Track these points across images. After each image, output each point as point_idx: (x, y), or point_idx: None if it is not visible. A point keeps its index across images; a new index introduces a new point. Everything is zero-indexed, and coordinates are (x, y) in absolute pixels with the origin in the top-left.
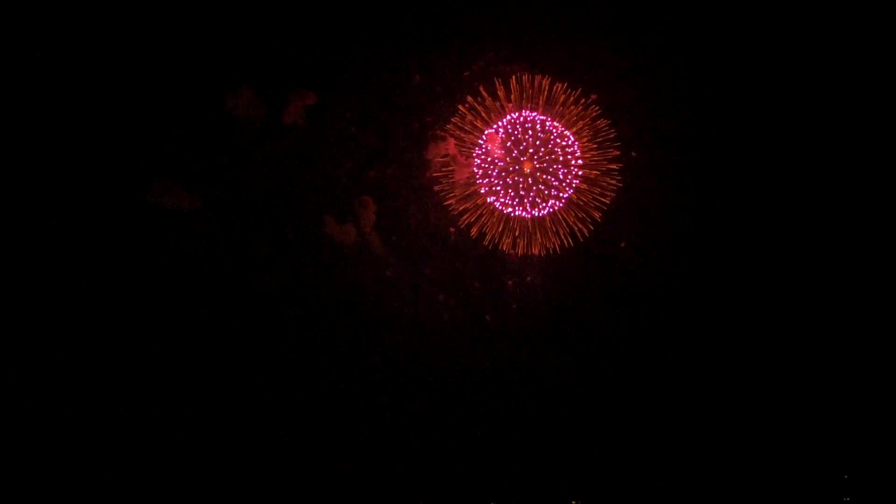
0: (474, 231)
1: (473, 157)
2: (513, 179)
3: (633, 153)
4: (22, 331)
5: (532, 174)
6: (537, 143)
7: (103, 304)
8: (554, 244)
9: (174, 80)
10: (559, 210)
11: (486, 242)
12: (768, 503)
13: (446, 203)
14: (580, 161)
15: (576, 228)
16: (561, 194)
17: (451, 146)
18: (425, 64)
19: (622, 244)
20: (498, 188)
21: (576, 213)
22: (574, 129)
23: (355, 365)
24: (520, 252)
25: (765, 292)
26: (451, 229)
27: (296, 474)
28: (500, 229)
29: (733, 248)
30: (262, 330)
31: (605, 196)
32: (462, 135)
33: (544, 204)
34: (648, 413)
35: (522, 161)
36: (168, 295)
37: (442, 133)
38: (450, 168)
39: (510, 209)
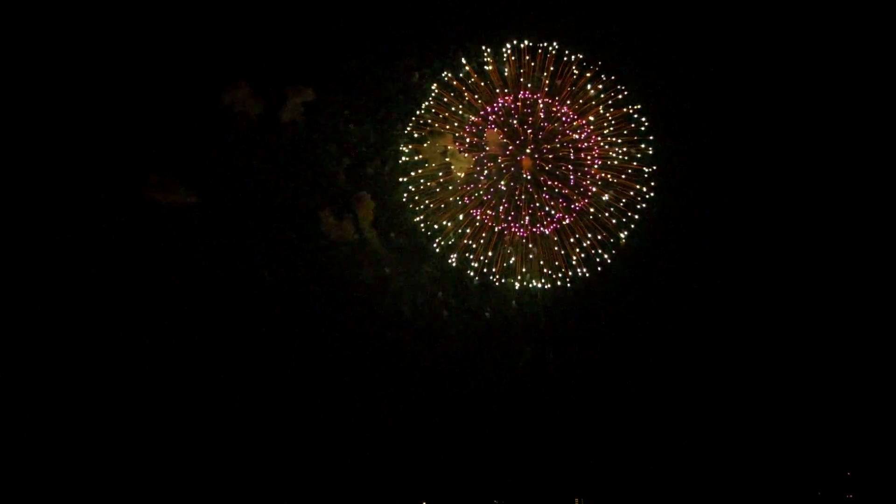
0: (455, 256)
1: (472, 154)
2: (507, 184)
3: (670, 149)
4: (18, 326)
5: (533, 176)
6: (540, 134)
7: (100, 298)
8: (563, 271)
9: (172, 77)
10: (570, 225)
11: (470, 271)
12: (771, 501)
13: (416, 220)
14: (599, 160)
15: (592, 250)
16: (572, 205)
17: (448, 141)
18: (425, 62)
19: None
20: (487, 196)
21: (592, 230)
22: (591, 116)
23: (354, 361)
24: (516, 283)
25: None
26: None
27: (296, 474)
28: (490, 252)
29: (802, 277)
30: (259, 325)
31: (631, 208)
32: (436, 123)
33: (549, 218)
34: (649, 413)
35: (520, 159)
36: (164, 289)
37: (441, 129)
38: (448, 163)
39: (503, 224)
